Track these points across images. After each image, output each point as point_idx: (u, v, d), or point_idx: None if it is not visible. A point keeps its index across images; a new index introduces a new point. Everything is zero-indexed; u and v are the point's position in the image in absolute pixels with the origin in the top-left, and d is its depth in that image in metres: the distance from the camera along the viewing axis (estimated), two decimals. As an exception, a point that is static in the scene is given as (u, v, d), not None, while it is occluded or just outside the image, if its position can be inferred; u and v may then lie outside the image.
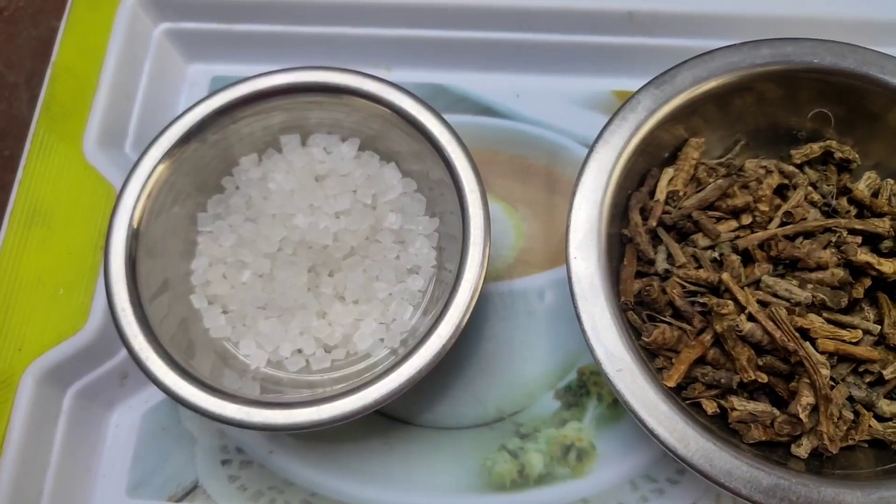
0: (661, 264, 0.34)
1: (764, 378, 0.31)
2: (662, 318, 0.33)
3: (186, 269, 0.37)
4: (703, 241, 0.34)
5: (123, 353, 0.37)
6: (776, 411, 0.31)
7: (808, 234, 0.33)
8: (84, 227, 0.38)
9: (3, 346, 0.35)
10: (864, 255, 0.32)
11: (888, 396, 0.32)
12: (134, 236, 0.34)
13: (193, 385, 0.31)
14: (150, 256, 0.35)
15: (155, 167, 0.35)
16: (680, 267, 0.33)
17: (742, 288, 0.32)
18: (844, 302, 0.32)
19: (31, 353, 0.35)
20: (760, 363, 0.31)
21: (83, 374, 0.36)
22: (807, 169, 0.36)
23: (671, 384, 0.31)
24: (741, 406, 0.31)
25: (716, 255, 0.33)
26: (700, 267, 0.33)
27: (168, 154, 0.35)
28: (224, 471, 0.36)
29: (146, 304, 0.33)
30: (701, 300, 0.32)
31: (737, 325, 0.31)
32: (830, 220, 0.34)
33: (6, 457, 0.33)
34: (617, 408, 0.36)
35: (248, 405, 0.31)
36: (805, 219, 0.34)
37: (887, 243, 0.33)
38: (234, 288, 0.36)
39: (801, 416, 0.30)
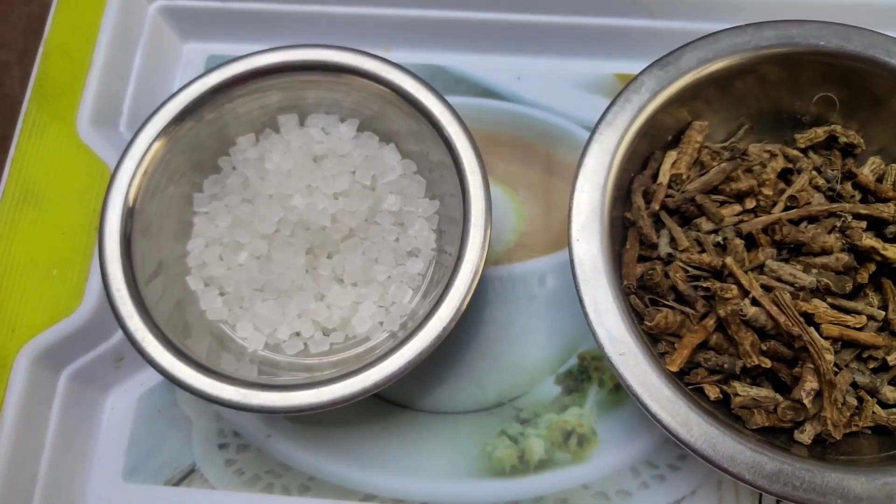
0: (664, 248, 0.33)
1: (767, 363, 0.31)
2: (665, 302, 0.32)
3: (182, 250, 0.36)
4: (706, 225, 0.34)
5: (118, 335, 0.36)
6: (779, 397, 0.31)
7: (813, 219, 0.33)
8: (77, 207, 0.37)
9: (-4, 327, 0.35)
10: (868, 240, 0.32)
11: (892, 383, 0.32)
12: (129, 215, 0.33)
13: (190, 367, 0.31)
14: (145, 236, 0.34)
15: (150, 145, 0.35)
16: (683, 251, 0.33)
17: (746, 272, 0.32)
18: (849, 287, 0.32)
19: (24, 335, 0.35)
20: (764, 348, 0.31)
21: (78, 356, 0.36)
22: (811, 153, 0.36)
23: (674, 369, 0.31)
24: (744, 391, 0.31)
25: (719, 239, 0.33)
26: (703, 251, 0.33)
27: (163, 132, 0.35)
28: (221, 454, 0.36)
29: (142, 286, 0.33)
30: (704, 284, 0.32)
31: (740, 310, 0.30)
32: (835, 205, 0.33)
33: (0, 440, 0.33)
34: (618, 393, 0.36)
35: (245, 387, 0.31)
36: (809, 203, 0.34)
37: (892, 228, 0.33)
38: (230, 269, 0.36)
39: (805, 401, 0.30)
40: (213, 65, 0.38)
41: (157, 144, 0.35)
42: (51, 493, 0.34)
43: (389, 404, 0.36)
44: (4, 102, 0.46)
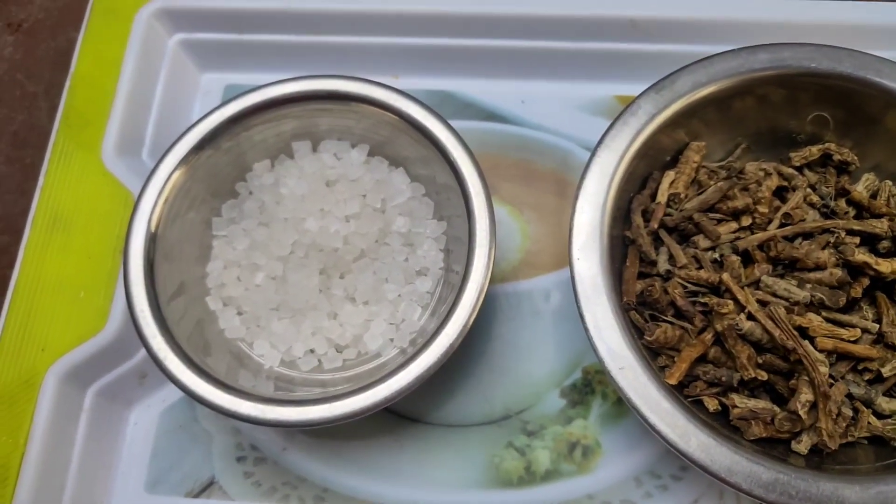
0: (663, 265, 0.34)
1: (764, 376, 0.32)
2: (664, 317, 0.33)
3: (202, 272, 0.38)
4: (703, 242, 0.35)
5: (142, 353, 0.38)
6: (776, 408, 0.32)
7: (807, 235, 0.34)
8: (103, 232, 0.39)
9: (27, 346, 0.37)
10: (862, 255, 0.33)
11: (887, 394, 0.33)
12: (152, 240, 0.35)
13: (210, 383, 0.32)
14: (166, 260, 0.36)
15: (171, 173, 0.36)
16: (681, 268, 0.34)
17: (742, 288, 0.33)
18: (843, 301, 0.33)
19: (53, 354, 0.36)
20: (760, 361, 0.32)
21: (103, 373, 0.37)
22: (806, 171, 0.37)
23: (673, 382, 0.32)
24: (742, 403, 0.32)
25: (716, 255, 0.34)
26: (701, 268, 0.34)
27: (184, 161, 0.37)
28: (239, 467, 0.37)
29: (164, 306, 0.34)
30: (702, 300, 0.33)
31: (737, 324, 0.31)
32: (829, 221, 0.34)
33: (30, 453, 0.35)
34: (621, 406, 0.37)
35: (262, 403, 0.32)
36: (804, 220, 0.35)
37: (885, 243, 0.34)
38: (247, 290, 0.37)
39: (801, 412, 0.31)
40: (231, 94, 0.39)
41: (177, 172, 0.36)
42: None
43: (400, 418, 0.38)
44: (33, 133, 0.48)
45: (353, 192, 0.38)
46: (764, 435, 0.32)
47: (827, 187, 0.36)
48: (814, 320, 0.32)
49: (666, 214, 0.35)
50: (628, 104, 0.35)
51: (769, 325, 0.31)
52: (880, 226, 0.34)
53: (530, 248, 0.40)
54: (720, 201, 0.35)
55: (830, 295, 0.32)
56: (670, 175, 0.37)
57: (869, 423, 0.32)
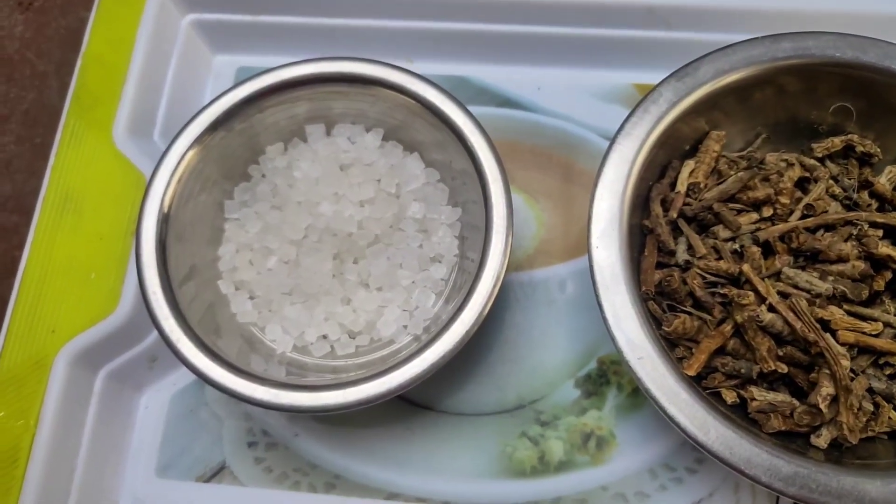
0: (682, 255, 0.34)
1: (784, 368, 0.31)
2: (683, 308, 0.33)
3: (214, 254, 0.37)
4: (723, 232, 0.34)
5: (153, 336, 0.37)
6: (796, 402, 0.31)
7: (829, 227, 0.34)
8: (114, 214, 0.38)
9: (37, 328, 0.36)
10: (885, 248, 0.33)
11: (908, 388, 0.32)
12: (164, 221, 0.35)
13: (223, 367, 0.32)
14: (178, 242, 0.35)
15: (184, 154, 0.36)
16: (700, 258, 0.34)
17: (762, 279, 0.32)
18: (865, 294, 0.32)
19: (63, 336, 0.36)
20: (780, 354, 0.32)
21: (114, 356, 0.37)
22: (828, 162, 0.36)
23: (691, 373, 0.31)
24: (761, 396, 0.32)
25: (736, 246, 0.34)
26: (720, 258, 0.34)
27: (196, 142, 0.36)
28: (250, 453, 0.37)
29: (175, 289, 0.34)
30: (721, 291, 0.33)
31: (757, 316, 0.31)
32: (851, 213, 0.34)
33: (40, 437, 0.34)
34: (636, 397, 0.37)
35: (275, 387, 0.32)
36: (826, 211, 0.34)
37: (908, 236, 0.34)
38: (260, 274, 0.37)
39: (821, 406, 0.30)
40: (243, 76, 0.39)
41: (190, 153, 0.36)
42: (87, 487, 0.36)
43: (413, 405, 0.37)
44: (43, 112, 0.48)
45: (368, 177, 0.38)
46: (783, 428, 0.31)
47: (849, 179, 0.35)
48: (836, 313, 0.32)
49: (685, 204, 0.35)
50: (649, 91, 0.35)
51: (790, 317, 0.31)
52: (903, 218, 0.34)
53: (545, 236, 0.40)
54: (741, 191, 0.35)
55: (853, 288, 0.32)
56: (690, 164, 0.36)
57: (889, 417, 0.31)
